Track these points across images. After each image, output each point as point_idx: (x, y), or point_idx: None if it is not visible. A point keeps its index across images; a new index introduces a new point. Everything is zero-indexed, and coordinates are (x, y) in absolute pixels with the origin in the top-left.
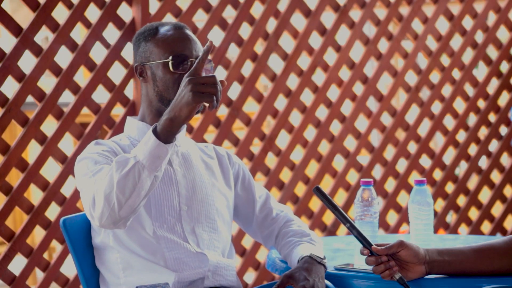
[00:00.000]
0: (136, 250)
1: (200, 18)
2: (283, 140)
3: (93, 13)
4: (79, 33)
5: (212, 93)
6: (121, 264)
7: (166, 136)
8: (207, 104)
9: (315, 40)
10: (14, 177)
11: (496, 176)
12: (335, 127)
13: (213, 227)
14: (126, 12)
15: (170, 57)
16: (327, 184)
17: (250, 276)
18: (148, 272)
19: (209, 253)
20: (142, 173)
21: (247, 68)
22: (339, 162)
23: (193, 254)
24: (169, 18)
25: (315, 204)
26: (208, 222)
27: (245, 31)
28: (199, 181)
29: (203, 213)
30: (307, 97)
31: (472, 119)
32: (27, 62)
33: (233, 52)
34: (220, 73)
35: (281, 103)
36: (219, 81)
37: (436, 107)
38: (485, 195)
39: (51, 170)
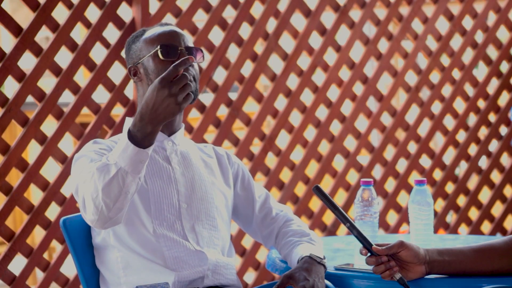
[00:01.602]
0: (136, 248)
1: (200, 18)
2: (283, 140)
3: (93, 13)
4: (79, 33)
5: (186, 91)
6: (121, 264)
7: (143, 140)
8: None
9: (315, 40)
10: (14, 177)
11: (496, 176)
12: (335, 127)
13: (213, 224)
14: (126, 12)
15: (158, 46)
16: (327, 184)
17: (250, 276)
18: (148, 271)
19: (209, 251)
20: (126, 179)
21: (247, 68)
22: (339, 162)
23: (193, 253)
24: (169, 18)
25: (315, 204)
26: (208, 219)
27: (245, 31)
28: (198, 179)
29: (202, 210)
30: (307, 97)
31: (472, 119)
32: (27, 62)
33: (233, 52)
34: (220, 73)
35: (281, 103)
36: (189, 76)
37: (436, 107)
38: (485, 195)
39: (51, 170)
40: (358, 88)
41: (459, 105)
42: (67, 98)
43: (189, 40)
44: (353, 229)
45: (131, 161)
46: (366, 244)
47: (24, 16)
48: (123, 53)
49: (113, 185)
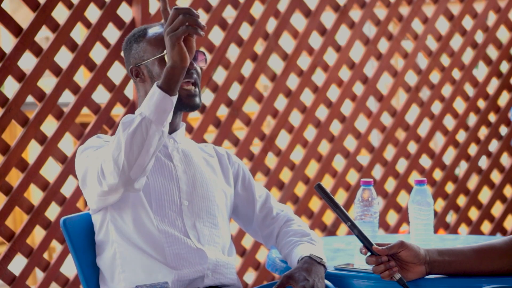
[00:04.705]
0: (137, 242)
1: (200, 18)
2: (283, 140)
3: (93, 13)
4: (79, 33)
5: (182, 23)
6: (119, 259)
7: (169, 85)
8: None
9: (315, 40)
10: (14, 177)
11: (496, 176)
12: (335, 127)
13: (214, 222)
14: (126, 12)
15: (165, 51)
16: (327, 184)
17: (250, 276)
18: (147, 270)
19: (209, 249)
20: (149, 128)
21: (247, 68)
22: (339, 162)
23: (193, 250)
24: None
25: (315, 204)
26: (209, 217)
27: (245, 31)
28: (200, 177)
29: (204, 208)
30: (307, 97)
31: (472, 119)
32: (27, 62)
33: (233, 52)
34: (220, 73)
35: (281, 103)
36: (183, 8)
37: (436, 107)
38: (485, 195)
39: (51, 170)
40: (358, 88)
41: (459, 105)
42: (67, 98)
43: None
44: (354, 228)
45: (156, 109)
46: (366, 243)
47: (24, 16)
48: (123, 53)
49: (136, 136)
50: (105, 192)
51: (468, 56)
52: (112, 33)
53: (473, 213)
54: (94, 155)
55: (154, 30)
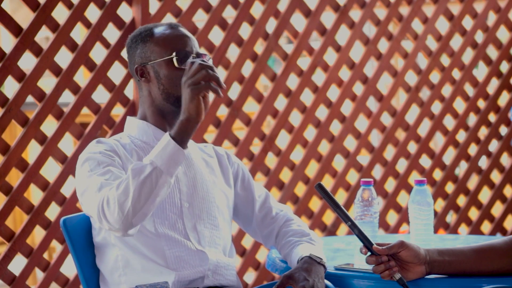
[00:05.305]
0: (137, 247)
1: (200, 18)
2: (283, 140)
3: (93, 13)
4: (79, 33)
5: (205, 79)
6: (121, 262)
7: (182, 138)
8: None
9: (315, 40)
10: (14, 177)
11: (496, 176)
12: (335, 127)
13: (215, 224)
14: (126, 12)
15: (174, 53)
16: (327, 184)
17: (250, 276)
18: (148, 271)
19: (210, 250)
20: (159, 179)
21: (247, 68)
22: (339, 162)
23: (194, 252)
24: (169, 18)
25: (315, 204)
26: (210, 219)
27: (245, 31)
28: (200, 179)
29: (204, 210)
30: (307, 97)
31: (472, 119)
32: (27, 62)
33: (233, 52)
34: (220, 73)
35: (281, 103)
36: (207, 65)
37: (436, 107)
38: (485, 195)
39: (51, 170)
40: (358, 88)
41: (459, 105)
42: (67, 98)
43: (197, 43)
44: (354, 228)
45: (169, 160)
46: (366, 243)
47: (24, 16)
48: (123, 53)
49: (146, 185)
50: (103, 227)
51: (468, 56)
52: (112, 33)
53: (473, 213)
54: (94, 183)
55: (162, 30)
